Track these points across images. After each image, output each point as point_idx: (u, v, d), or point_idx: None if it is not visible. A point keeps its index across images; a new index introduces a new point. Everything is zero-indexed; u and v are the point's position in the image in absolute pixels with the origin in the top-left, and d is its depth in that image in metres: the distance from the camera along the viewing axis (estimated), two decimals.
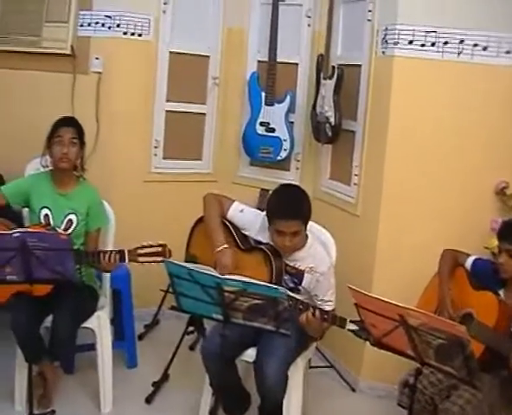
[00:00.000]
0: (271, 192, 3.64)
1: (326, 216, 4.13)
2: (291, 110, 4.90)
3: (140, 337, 4.76)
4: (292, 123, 4.95)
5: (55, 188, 3.74)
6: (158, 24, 4.81)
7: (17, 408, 3.70)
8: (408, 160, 4.06)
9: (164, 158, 5.07)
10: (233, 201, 3.70)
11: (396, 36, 3.94)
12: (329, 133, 4.43)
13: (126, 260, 3.43)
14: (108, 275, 3.95)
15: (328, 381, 4.42)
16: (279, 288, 2.84)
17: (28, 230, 3.28)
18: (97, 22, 4.72)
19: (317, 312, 3.17)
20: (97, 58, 4.73)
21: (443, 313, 3.35)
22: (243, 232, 3.63)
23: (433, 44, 3.91)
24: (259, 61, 5.05)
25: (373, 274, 4.16)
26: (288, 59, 4.92)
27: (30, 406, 3.36)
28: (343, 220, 4.45)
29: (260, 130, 4.88)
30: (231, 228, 3.63)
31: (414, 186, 4.07)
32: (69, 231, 3.68)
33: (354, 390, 4.35)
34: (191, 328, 4.41)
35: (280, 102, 4.85)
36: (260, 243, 3.53)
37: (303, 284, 3.46)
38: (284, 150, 4.85)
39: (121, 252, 3.43)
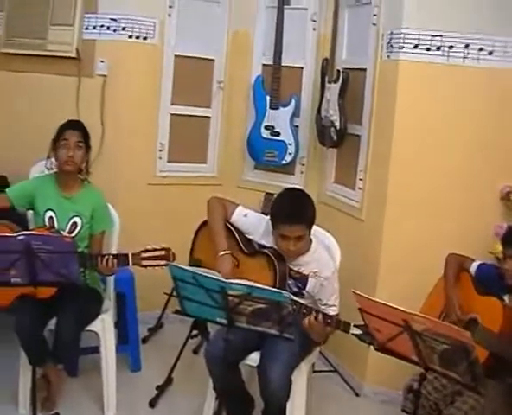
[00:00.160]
0: (275, 196, 3.64)
1: (331, 220, 4.13)
2: (295, 114, 4.90)
3: (144, 341, 4.76)
4: (297, 127, 4.95)
5: (60, 191, 3.74)
6: (164, 27, 4.81)
7: (21, 411, 3.70)
8: (413, 164, 4.05)
9: (169, 161, 5.07)
10: (237, 205, 3.70)
11: (401, 40, 3.94)
12: (334, 137, 4.43)
13: (130, 264, 3.43)
14: (112, 278, 3.95)
15: (332, 386, 4.41)
16: (283, 292, 2.83)
17: (33, 233, 3.29)
18: (102, 25, 4.73)
19: (320, 316, 3.17)
20: (102, 61, 4.74)
21: (450, 316, 3.34)
22: (247, 236, 3.63)
23: (439, 48, 3.90)
24: (263, 65, 5.04)
25: (377, 279, 4.15)
26: (293, 62, 4.93)
27: (34, 409, 3.34)
28: (348, 225, 4.45)
29: (265, 133, 4.87)
30: (234, 232, 3.63)
31: (419, 191, 4.06)
32: (73, 234, 3.68)
33: (358, 395, 4.34)
34: (195, 332, 4.41)
35: (285, 106, 4.85)
36: (264, 247, 3.53)
37: (307, 289, 3.45)
38: (289, 153, 4.85)
39: (125, 256, 3.43)
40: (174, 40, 4.90)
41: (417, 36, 3.91)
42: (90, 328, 3.71)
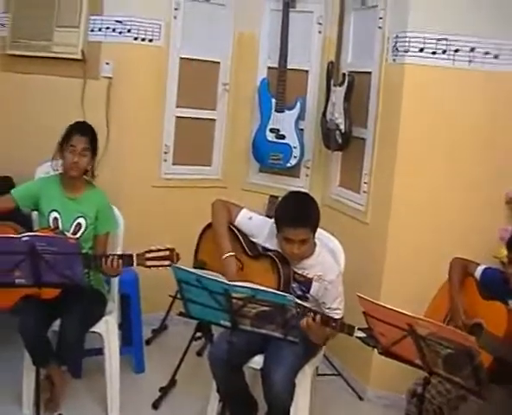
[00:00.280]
0: (280, 199, 3.64)
1: (335, 224, 4.12)
2: (301, 117, 4.90)
3: (148, 342, 4.76)
4: (302, 130, 4.94)
5: (65, 192, 3.75)
6: (169, 30, 4.82)
7: (25, 411, 3.71)
8: (418, 168, 4.05)
9: (174, 164, 5.07)
10: (242, 207, 3.70)
11: (407, 44, 3.94)
12: (339, 140, 4.43)
13: (134, 264, 3.43)
14: (116, 280, 3.95)
15: (335, 389, 4.40)
16: (287, 295, 2.83)
17: (37, 234, 3.29)
18: (108, 27, 4.74)
19: (318, 317, 3.15)
20: (107, 63, 4.74)
21: (454, 321, 3.33)
22: (251, 239, 3.63)
23: (444, 52, 3.90)
24: (269, 68, 5.05)
25: (382, 282, 4.15)
26: (298, 65, 4.93)
27: (37, 410, 3.36)
28: (353, 228, 4.44)
29: (270, 136, 4.87)
30: (239, 235, 3.63)
31: (424, 194, 4.06)
32: (78, 234, 3.69)
33: (361, 398, 4.33)
34: (199, 334, 4.41)
35: (290, 109, 4.85)
36: (268, 250, 3.53)
37: (311, 292, 3.44)
38: (294, 156, 4.85)
39: (129, 257, 3.43)
40: (179, 42, 4.90)
41: (422, 40, 3.91)
42: (94, 329, 3.72)
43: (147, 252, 3.39)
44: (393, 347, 2.75)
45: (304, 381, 3.43)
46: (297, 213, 3.35)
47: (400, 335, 2.64)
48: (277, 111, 4.84)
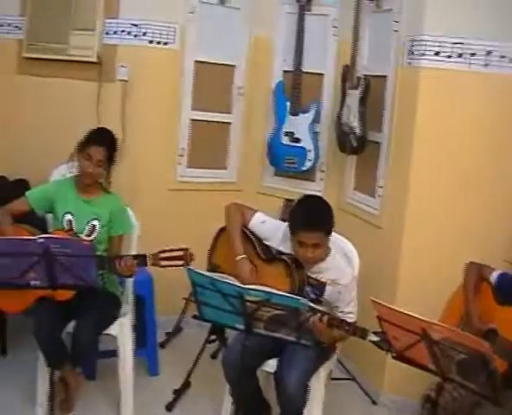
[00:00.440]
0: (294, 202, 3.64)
1: (350, 228, 4.11)
2: (316, 120, 4.89)
3: (162, 345, 4.77)
4: (317, 133, 4.94)
5: (79, 194, 3.76)
6: (184, 33, 4.83)
7: (39, 413, 3.71)
8: (433, 172, 4.03)
9: (189, 167, 5.08)
10: (256, 211, 3.70)
11: (422, 47, 3.92)
12: (354, 144, 4.41)
13: (148, 264, 3.43)
14: (131, 281, 3.96)
15: (349, 394, 4.38)
16: (301, 299, 2.83)
17: (52, 236, 3.30)
18: (123, 31, 4.75)
19: (325, 318, 3.13)
20: (123, 66, 4.75)
21: (469, 326, 3.31)
22: (265, 242, 3.62)
23: (460, 55, 3.88)
24: (284, 71, 5.05)
25: (396, 287, 4.13)
26: (314, 69, 4.93)
27: (51, 411, 3.36)
28: (367, 232, 4.43)
29: (285, 140, 4.87)
30: (253, 238, 3.63)
31: (439, 199, 4.04)
32: (92, 236, 3.70)
33: (375, 403, 4.31)
34: (213, 337, 4.42)
35: (305, 112, 4.84)
36: (282, 253, 3.52)
37: (324, 296, 3.44)
38: (309, 160, 4.84)
39: (143, 257, 3.43)
40: (194, 45, 4.91)
41: (438, 43, 3.89)
42: (108, 331, 3.72)
43: (161, 252, 3.39)
44: (406, 352, 2.74)
45: (317, 385, 3.43)
46: (310, 217, 3.34)
47: (414, 339, 2.63)
48: (292, 114, 4.84)
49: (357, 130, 4.36)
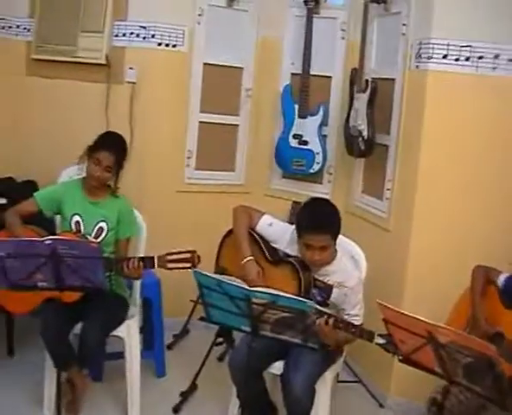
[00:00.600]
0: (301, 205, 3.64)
1: (357, 230, 4.11)
2: (324, 123, 4.89)
3: (169, 347, 4.77)
4: (325, 136, 4.94)
5: (87, 196, 3.77)
6: (193, 35, 4.84)
7: (46, 414, 3.73)
8: (441, 175, 4.02)
9: (197, 169, 5.09)
10: (263, 213, 3.70)
11: (430, 50, 3.92)
12: (362, 147, 4.41)
13: (155, 266, 3.44)
14: (138, 283, 3.97)
15: (356, 396, 4.38)
16: (308, 301, 2.82)
17: (60, 237, 3.31)
18: (132, 33, 4.76)
19: (331, 321, 3.13)
20: (131, 68, 4.76)
21: (476, 329, 3.30)
22: (272, 244, 3.63)
23: (468, 59, 3.88)
24: (292, 74, 5.04)
25: (403, 290, 4.13)
26: (322, 72, 4.92)
27: (58, 413, 3.37)
28: (375, 235, 4.42)
29: (293, 142, 4.87)
30: (259, 241, 3.63)
31: (447, 201, 4.03)
32: (99, 238, 3.71)
33: (382, 406, 4.30)
34: (220, 339, 4.42)
35: (313, 115, 4.84)
36: (289, 256, 3.53)
37: (331, 299, 3.44)
38: (317, 162, 4.84)
39: (150, 259, 3.44)
40: (203, 48, 4.92)
41: (446, 46, 3.88)
42: (115, 333, 3.73)
43: (168, 254, 3.40)
44: (413, 355, 2.74)
45: (324, 388, 3.43)
46: (317, 220, 3.34)
47: (420, 342, 2.63)
48: (300, 116, 4.85)
49: (365, 133, 4.36)
